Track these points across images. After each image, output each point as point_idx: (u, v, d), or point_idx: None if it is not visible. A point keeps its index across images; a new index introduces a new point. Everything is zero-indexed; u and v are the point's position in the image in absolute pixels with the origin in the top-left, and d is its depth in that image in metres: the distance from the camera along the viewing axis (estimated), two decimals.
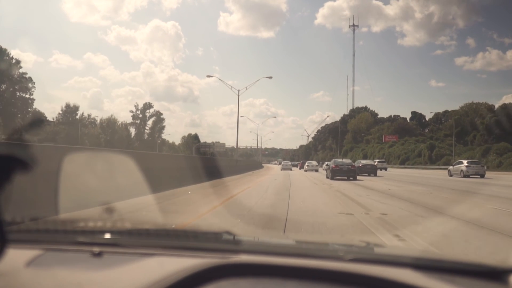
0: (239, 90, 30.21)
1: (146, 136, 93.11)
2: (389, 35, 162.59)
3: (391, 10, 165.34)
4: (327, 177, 22.69)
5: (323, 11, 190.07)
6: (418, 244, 4.89)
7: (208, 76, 46.34)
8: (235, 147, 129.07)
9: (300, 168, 52.89)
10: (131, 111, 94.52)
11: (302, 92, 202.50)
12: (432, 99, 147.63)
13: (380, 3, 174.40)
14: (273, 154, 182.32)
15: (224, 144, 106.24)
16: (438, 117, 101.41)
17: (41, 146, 8.97)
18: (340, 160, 24.51)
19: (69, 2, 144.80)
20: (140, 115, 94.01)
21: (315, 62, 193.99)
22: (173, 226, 3.64)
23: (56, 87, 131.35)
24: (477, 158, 40.66)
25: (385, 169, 44.97)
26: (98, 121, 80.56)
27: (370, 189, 14.51)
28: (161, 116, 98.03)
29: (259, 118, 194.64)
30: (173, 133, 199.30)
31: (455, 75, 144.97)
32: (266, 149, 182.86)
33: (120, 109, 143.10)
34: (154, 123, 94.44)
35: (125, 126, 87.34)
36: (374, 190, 13.95)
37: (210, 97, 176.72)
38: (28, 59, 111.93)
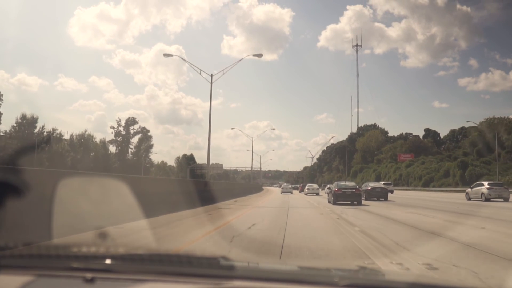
0: (211, 76, 24.23)
1: (130, 155, 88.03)
2: (391, 57, 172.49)
3: (393, 32, 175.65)
4: (329, 202, 22.37)
5: (325, 34, 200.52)
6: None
7: (166, 55, 35.62)
8: (238, 169, 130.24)
9: (300, 191, 53.84)
10: (112, 127, 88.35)
11: (306, 114, 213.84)
12: (436, 120, 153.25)
13: (382, 26, 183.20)
14: (277, 177, 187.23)
15: (221, 165, 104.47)
16: (454, 135, 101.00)
17: (33, 170, 9.33)
18: (343, 183, 24.14)
19: (75, 26, 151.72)
20: (123, 132, 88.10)
21: (318, 84, 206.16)
22: (167, 251, 3.60)
23: (61, 110, 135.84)
24: None
25: (391, 191, 43.79)
26: (68, 137, 72.81)
27: (387, 218, 12.81)
28: (148, 134, 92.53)
29: (262, 140, 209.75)
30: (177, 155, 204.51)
31: (459, 96, 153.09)
32: (269, 171, 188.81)
33: None
34: (140, 141, 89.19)
35: (103, 144, 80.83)
36: (393, 220, 12.14)
37: (214, 120, 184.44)
38: (33, 83, 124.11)
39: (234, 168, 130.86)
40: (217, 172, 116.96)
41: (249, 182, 69.51)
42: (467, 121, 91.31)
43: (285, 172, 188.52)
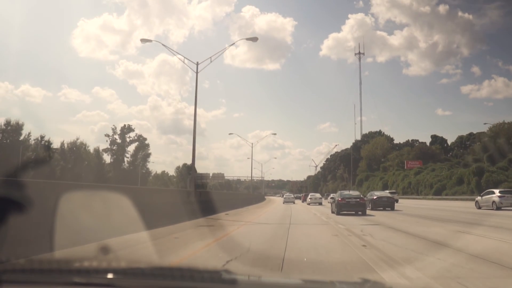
0: (197, 64, 21.08)
1: (126, 165, 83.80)
2: (394, 65, 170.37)
3: (395, 40, 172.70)
4: (332, 212, 21.93)
5: (327, 43, 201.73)
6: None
7: (143, 40, 24.79)
8: (241, 179, 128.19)
9: (303, 201, 53.64)
10: (107, 135, 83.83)
11: (309, 123, 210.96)
12: (439, 128, 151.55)
13: (384, 34, 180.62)
14: (280, 186, 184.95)
15: (223, 174, 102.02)
16: (462, 141, 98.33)
17: (34, 182, 8.72)
18: (346, 192, 23.30)
19: (79, 37, 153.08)
20: (119, 140, 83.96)
21: (321, 93, 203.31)
22: (168, 264, 4.03)
23: (65, 122, 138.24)
24: None
25: (396, 201, 42.12)
26: (58, 146, 68.55)
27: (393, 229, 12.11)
28: (145, 142, 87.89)
29: (265, 150, 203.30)
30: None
31: (462, 103, 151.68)
32: (272, 181, 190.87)
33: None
34: (137, 150, 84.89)
35: (97, 152, 76.63)
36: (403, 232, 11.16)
37: (217, 130, 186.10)
38: (37, 94, 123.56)
39: (237, 178, 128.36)
40: (219, 181, 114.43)
41: (250, 192, 66.68)
42: (485, 123, 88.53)
43: (288, 181, 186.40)
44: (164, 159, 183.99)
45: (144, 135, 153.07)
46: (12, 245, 5.91)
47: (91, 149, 73.96)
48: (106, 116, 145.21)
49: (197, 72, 21.45)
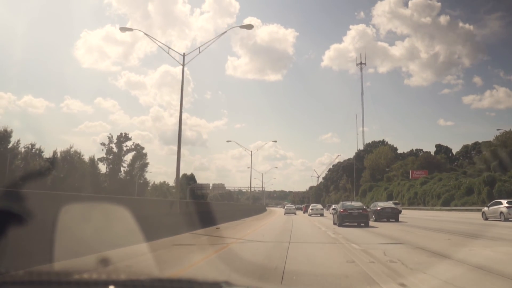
0: (184, 55, 18.94)
1: (123, 174, 79.06)
2: (395, 75, 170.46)
3: (396, 51, 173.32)
4: (334, 223, 21.62)
5: (329, 54, 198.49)
6: None
7: (123, 29, 21.97)
8: (243, 189, 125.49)
9: (304, 212, 54.10)
10: (102, 144, 79.20)
11: (311, 134, 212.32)
12: (442, 138, 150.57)
13: (385, 44, 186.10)
14: (282, 197, 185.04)
15: (223, 185, 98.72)
16: (467, 150, 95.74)
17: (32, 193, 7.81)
18: (349, 203, 22.74)
19: (81, 48, 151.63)
20: (115, 149, 79.21)
21: (322, 103, 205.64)
22: (168, 276, 4.29)
23: (67, 132, 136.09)
24: None
25: (399, 212, 40.40)
26: (50, 154, 64.80)
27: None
28: (143, 151, 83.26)
29: (268, 160, 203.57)
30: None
31: (464, 114, 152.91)
32: (274, 191, 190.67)
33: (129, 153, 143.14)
34: (134, 159, 79.99)
35: (92, 161, 72.19)
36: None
37: (219, 141, 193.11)
38: (40, 105, 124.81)
39: (238, 189, 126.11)
40: (220, 192, 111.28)
41: (249, 203, 64.16)
42: (498, 129, 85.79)
43: (290, 192, 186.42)
44: (165, 170, 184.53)
45: (146, 146, 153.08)
46: (11, 257, 5.92)
47: (86, 158, 70.34)
48: (108, 127, 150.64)
49: (183, 65, 18.90)
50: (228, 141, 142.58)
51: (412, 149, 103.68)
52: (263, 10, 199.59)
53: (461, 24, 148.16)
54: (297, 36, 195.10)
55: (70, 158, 64.58)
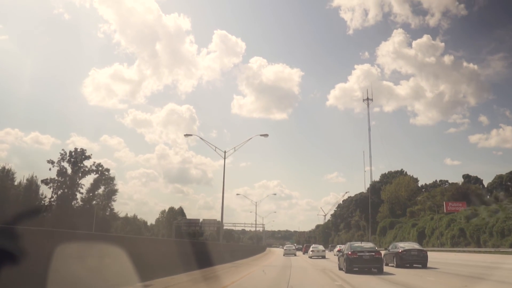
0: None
1: (79, 202, 59.08)
2: (401, 114, 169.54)
3: (402, 90, 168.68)
4: (340, 268, 18.59)
5: (334, 93, 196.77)
6: None
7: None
8: (246, 229, 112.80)
9: (304, 253, 50.12)
10: (50, 161, 58.53)
11: (316, 174, 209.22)
12: (448, 177, 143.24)
13: (390, 84, 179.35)
14: (287, 237, 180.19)
15: (215, 220, 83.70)
16: (501, 181, 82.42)
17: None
18: (357, 244, 19.00)
19: (89, 86, 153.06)
20: (69, 170, 59.22)
21: (328, 142, 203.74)
22: None
23: None
24: None
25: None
26: None
27: None
28: (109, 174, 63.20)
29: (272, 200, 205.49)
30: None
31: (471, 153, 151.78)
32: (279, 231, 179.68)
33: (133, 191, 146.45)
34: (95, 183, 60.77)
35: (30, 184, 53.26)
36: None
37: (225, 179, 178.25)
38: (46, 141, 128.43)
39: (241, 228, 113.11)
40: (213, 229, 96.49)
41: (249, 243, 51.94)
42: None
43: (295, 232, 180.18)
44: (171, 209, 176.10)
45: (151, 184, 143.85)
46: None
47: (22, 178, 52.66)
48: (113, 164, 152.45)
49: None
50: (237, 194, 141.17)
51: (436, 180, 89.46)
52: (269, 50, 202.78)
53: (465, 64, 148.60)
54: (302, 76, 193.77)
55: None
